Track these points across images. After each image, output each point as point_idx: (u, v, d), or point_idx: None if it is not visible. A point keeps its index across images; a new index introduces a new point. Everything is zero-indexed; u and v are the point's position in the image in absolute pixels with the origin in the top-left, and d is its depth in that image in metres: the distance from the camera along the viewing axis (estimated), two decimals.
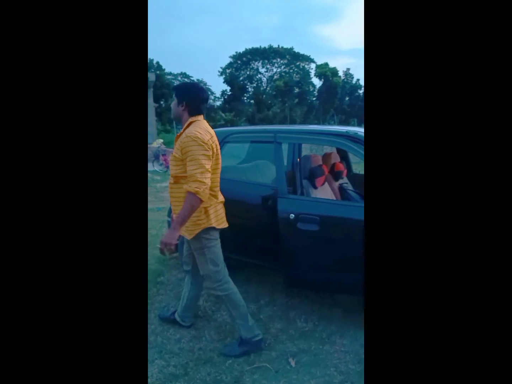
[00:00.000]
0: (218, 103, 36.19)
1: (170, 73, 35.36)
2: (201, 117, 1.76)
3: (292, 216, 2.01)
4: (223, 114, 26.59)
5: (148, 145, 12.26)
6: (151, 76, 13.71)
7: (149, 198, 5.45)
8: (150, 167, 9.64)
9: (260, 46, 37.55)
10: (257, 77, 38.70)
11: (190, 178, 1.58)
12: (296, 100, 31.85)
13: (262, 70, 38.83)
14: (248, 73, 38.29)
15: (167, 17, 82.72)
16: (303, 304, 2.40)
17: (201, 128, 1.68)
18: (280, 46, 37.68)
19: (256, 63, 38.35)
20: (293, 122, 26.88)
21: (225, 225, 1.89)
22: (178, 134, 1.77)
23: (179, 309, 2.12)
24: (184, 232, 1.79)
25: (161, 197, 6.19)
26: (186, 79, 39.55)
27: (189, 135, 1.62)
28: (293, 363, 1.82)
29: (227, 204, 1.90)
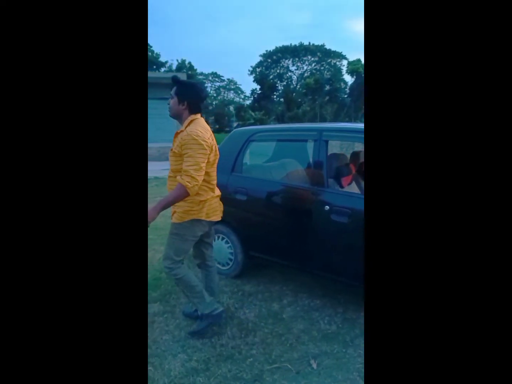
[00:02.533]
0: (248, 102, 36.42)
1: (201, 73, 36.03)
2: (199, 115, 1.86)
3: (327, 207, 2.11)
4: (252, 113, 26.70)
5: None
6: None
7: None
8: None
9: (291, 43, 37.29)
10: (287, 75, 38.47)
11: (184, 172, 1.69)
12: (327, 98, 31.30)
13: (293, 68, 38.59)
14: (278, 71, 38.14)
15: (200, 18, 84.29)
16: (327, 305, 2.36)
17: (202, 126, 1.79)
18: (311, 43, 37.20)
19: (287, 61, 38.11)
20: (323, 120, 26.41)
21: (216, 218, 1.96)
22: (178, 131, 1.85)
23: None
24: (173, 216, 1.88)
25: None
26: (216, 79, 40.17)
27: (190, 134, 1.71)
28: (314, 365, 1.79)
29: (255, 203, 1.90)
